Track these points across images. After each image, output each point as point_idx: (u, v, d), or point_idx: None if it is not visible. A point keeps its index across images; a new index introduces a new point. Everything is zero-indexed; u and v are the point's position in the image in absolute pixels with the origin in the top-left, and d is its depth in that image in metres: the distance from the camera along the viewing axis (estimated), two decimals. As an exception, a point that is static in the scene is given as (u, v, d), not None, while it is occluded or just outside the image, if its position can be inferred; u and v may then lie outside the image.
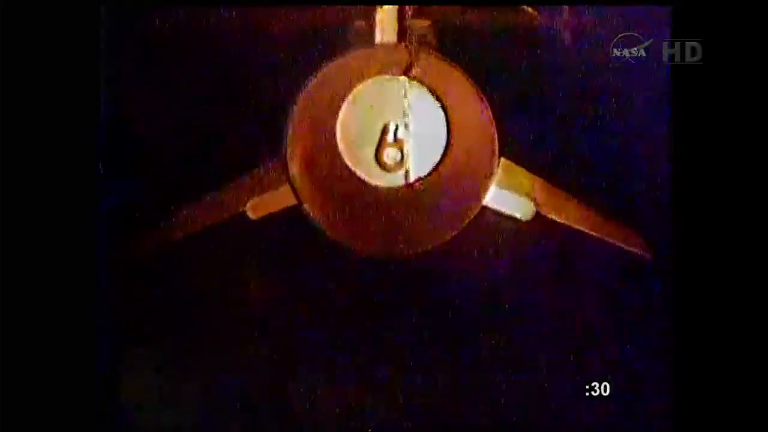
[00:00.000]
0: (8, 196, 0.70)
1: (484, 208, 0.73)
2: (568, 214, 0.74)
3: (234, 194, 0.73)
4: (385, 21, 0.73)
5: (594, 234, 0.74)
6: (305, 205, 0.73)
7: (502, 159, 0.73)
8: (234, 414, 0.74)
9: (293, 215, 0.73)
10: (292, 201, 0.73)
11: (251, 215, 0.73)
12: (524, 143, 0.74)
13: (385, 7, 0.73)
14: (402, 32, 0.73)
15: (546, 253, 0.74)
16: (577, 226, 0.73)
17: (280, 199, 0.73)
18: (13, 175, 0.70)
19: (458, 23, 0.73)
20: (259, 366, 0.74)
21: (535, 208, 0.73)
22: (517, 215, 0.73)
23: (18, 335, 0.69)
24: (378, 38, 0.73)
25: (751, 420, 0.70)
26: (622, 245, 0.74)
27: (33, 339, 0.69)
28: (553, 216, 0.73)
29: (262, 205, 0.73)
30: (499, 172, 0.73)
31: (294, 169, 0.73)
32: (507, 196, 0.73)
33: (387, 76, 0.72)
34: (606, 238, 0.74)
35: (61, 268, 0.70)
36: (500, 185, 0.73)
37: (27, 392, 0.69)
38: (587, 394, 0.74)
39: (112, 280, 0.72)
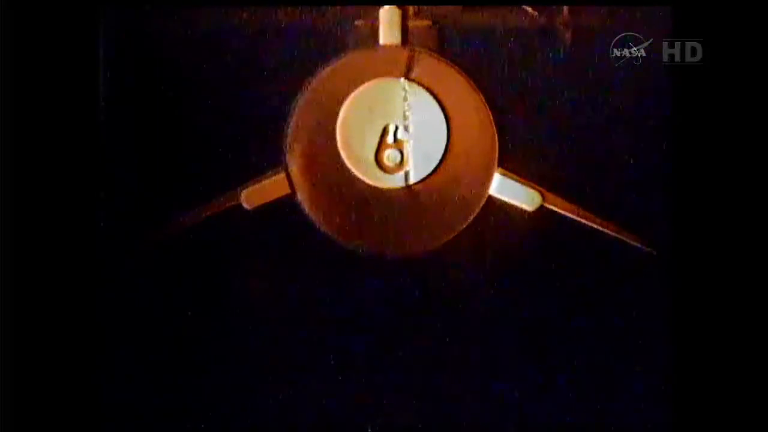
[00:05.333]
0: (10, 194, 0.70)
1: (490, 199, 0.74)
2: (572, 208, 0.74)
3: (233, 197, 0.73)
4: (389, 22, 0.73)
5: (598, 227, 0.74)
6: (306, 208, 0.73)
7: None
8: (228, 405, 0.75)
9: (293, 218, 0.74)
10: (294, 208, 0.73)
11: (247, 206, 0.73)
12: (524, 144, 0.74)
13: (388, 8, 0.73)
14: (405, 33, 0.73)
15: (547, 252, 0.75)
16: (580, 220, 0.74)
17: (281, 204, 0.73)
18: (15, 173, 0.70)
19: (458, 23, 0.73)
20: (252, 359, 0.75)
21: (540, 200, 0.73)
22: (523, 205, 0.73)
23: (26, 326, 0.70)
24: (382, 40, 0.73)
25: (751, 411, 0.70)
26: (624, 239, 0.74)
27: (37, 327, 0.70)
28: (557, 208, 0.74)
29: (261, 205, 0.73)
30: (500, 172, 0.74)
31: (294, 170, 0.73)
32: (512, 185, 0.73)
33: (387, 78, 0.73)
34: (609, 232, 0.74)
35: (62, 261, 0.70)
36: (506, 175, 0.73)
37: (32, 386, 0.70)
38: (587, 390, 0.75)
39: (110, 273, 0.72)
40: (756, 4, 0.71)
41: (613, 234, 0.74)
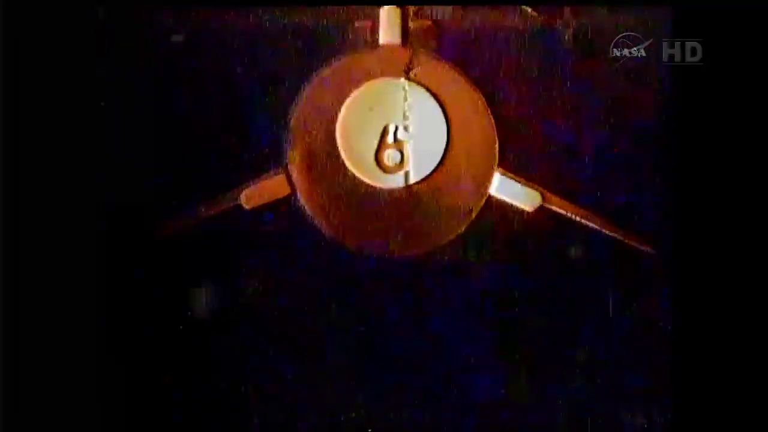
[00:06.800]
0: (11, 196, 0.70)
1: (489, 199, 0.74)
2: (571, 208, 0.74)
3: (233, 197, 0.73)
4: (389, 22, 0.73)
5: (597, 228, 0.74)
6: (306, 208, 0.73)
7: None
8: (228, 404, 0.75)
9: (293, 218, 0.74)
10: (294, 208, 0.73)
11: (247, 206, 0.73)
12: (524, 144, 0.74)
13: (388, 8, 0.73)
14: (405, 33, 0.73)
15: (547, 252, 0.75)
16: (580, 220, 0.74)
17: (281, 204, 0.73)
18: (15, 175, 0.70)
19: (458, 23, 0.73)
20: (252, 359, 0.75)
21: (540, 200, 0.73)
22: (523, 206, 0.74)
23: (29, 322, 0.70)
24: (382, 40, 0.73)
25: (752, 411, 0.70)
26: (624, 239, 0.74)
27: (38, 327, 0.70)
28: (557, 208, 0.74)
29: (261, 205, 0.73)
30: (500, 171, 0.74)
31: (294, 170, 0.73)
32: (512, 185, 0.74)
33: (387, 78, 0.73)
34: (609, 233, 0.74)
35: (62, 261, 0.70)
36: (506, 175, 0.73)
37: (32, 386, 0.70)
38: (587, 389, 0.75)
39: (109, 273, 0.72)
40: (756, 4, 0.71)
41: (613, 234, 0.74)
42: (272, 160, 0.73)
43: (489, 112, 0.73)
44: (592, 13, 0.73)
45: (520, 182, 0.74)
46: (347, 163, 0.73)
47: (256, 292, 0.74)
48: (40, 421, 0.69)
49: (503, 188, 0.74)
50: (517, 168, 0.74)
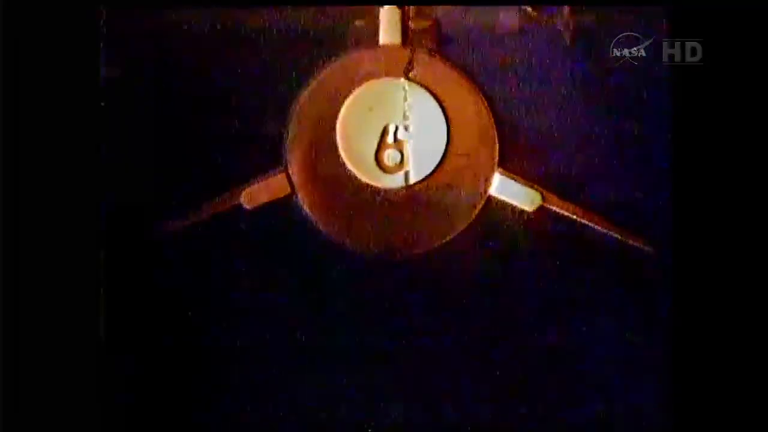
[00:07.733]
0: (11, 196, 0.70)
1: (490, 199, 0.74)
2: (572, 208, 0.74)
3: (233, 197, 0.73)
4: (389, 22, 0.73)
5: (597, 227, 0.74)
6: (306, 208, 0.74)
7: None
8: (228, 404, 0.75)
9: (293, 218, 0.74)
10: (294, 208, 0.73)
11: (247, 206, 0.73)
12: (524, 144, 0.74)
13: (388, 8, 0.73)
14: (405, 33, 0.73)
15: (547, 252, 0.75)
16: (580, 220, 0.74)
17: (281, 204, 0.73)
18: (17, 175, 0.70)
19: (458, 23, 0.73)
20: (252, 359, 0.75)
21: (540, 200, 0.73)
22: (523, 206, 0.74)
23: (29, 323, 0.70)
24: (382, 40, 0.73)
25: (751, 411, 0.71)
26: (624, 239, 0.74)
27: (39, 327, 0.70)
28: (557, 208, 0.74)
29: (261, 205, 0.73)
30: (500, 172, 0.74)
31: (294, 170, 0.73)
32: (512, 185, 0.74)
33: (387, 78, 0.73)
34: (609, 232, 0.74)
35: (63, 261, 0.70)
36: (506, 175, 0.74)
37: (34, 385, 0.70)
38: (587, 390, 0.75)
39: (110, 273, 0.72)
40: (756, 4, 0.71)
41: (613, 234, 0.74)
42: (272, 160, 0.74)
43: (489, 112, 0.73)
44: (592, 13, 0.73)
45: (520, 182, 0.74)
46: (347, 163, 0.73)
47: (256, 291, 0.74)
48: (40, 421, 0.69)
49: (503, 188, 0.74)
50: (517, 168, 0.74)
